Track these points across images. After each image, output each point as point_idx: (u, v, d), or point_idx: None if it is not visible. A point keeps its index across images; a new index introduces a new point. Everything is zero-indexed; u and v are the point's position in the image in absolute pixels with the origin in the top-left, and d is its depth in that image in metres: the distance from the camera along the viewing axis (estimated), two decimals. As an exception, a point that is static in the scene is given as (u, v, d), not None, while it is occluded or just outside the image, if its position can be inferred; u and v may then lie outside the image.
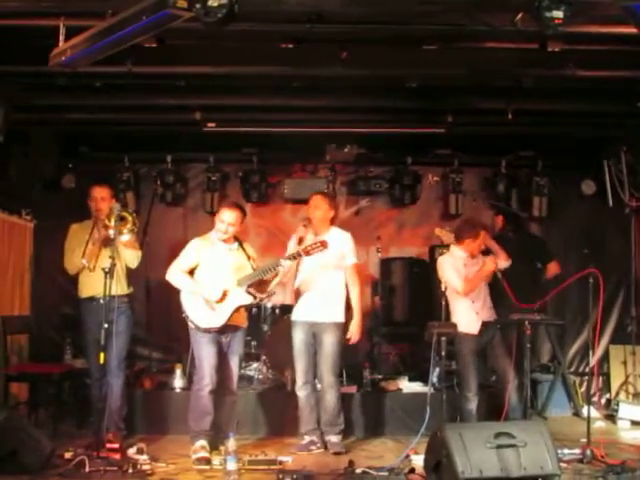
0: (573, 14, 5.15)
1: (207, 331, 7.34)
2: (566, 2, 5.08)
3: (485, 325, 7.98)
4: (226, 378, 7.52)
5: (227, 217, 7.40)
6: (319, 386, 7.91)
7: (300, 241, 7.68)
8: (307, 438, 7.78)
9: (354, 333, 7.88)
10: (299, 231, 7.80)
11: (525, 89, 7.99)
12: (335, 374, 7.82)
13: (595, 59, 7.29)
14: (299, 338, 7.83)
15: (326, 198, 8.02)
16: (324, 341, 7.75)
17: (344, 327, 7.87)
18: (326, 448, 7.76)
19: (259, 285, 7.44)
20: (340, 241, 7.88)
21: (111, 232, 7.26)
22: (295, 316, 7.93)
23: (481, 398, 8.02)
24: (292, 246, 7.78)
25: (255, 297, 7.43)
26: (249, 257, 7.59)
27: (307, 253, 7.39)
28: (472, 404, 7.92)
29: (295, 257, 7.41)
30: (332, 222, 7.98)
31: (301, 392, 7.82)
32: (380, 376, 9.32)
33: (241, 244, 7.63)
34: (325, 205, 7.88)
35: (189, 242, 7.63)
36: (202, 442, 7.27)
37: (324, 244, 7.39)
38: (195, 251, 7.49)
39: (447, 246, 8.59)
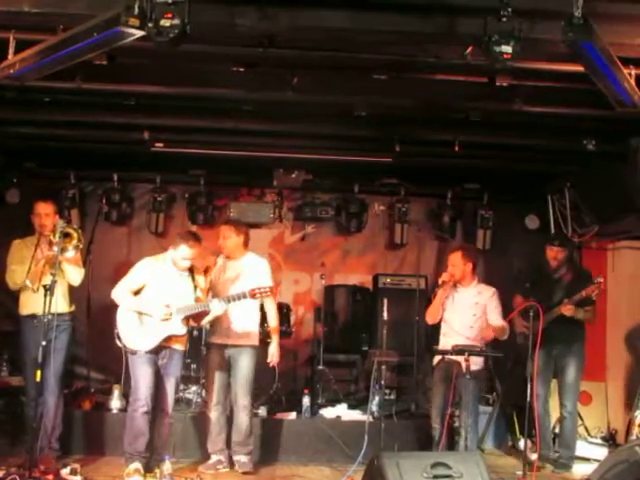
0: (522, 50, 5.22)
1: (133, 352, 7.27)
2: (515, 38, 5.15)
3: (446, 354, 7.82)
4: (161, 400, 7.44)
5: (188, 254, 7.33)
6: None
7: (206, 270, 7.74)
8: (215, 457, 7.88)
9: (274, 355, 7.98)
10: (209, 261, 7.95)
11: (473, 122, 8.08)
12: (249, 396, 7.85)
13: (542, 95, 7.39)
14: (214, 359, 7.91)
15: (232, 226, 8.08)
16: (239, 364, 7.81)
17: (259, 350, 7.95)
18: (232, 467, 7.82)
19: (196, 316, 7.40)
20: (256, 266, 7.97)
21: (55, 248, 7.16)
22: (211, 338, 8.00)
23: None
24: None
25: (188, 323, 7.41)
26: (196, 287, 7.50)
27: (253, 296, 7.41)
28: (434, 432, 7.89)
29: (239, 298, 7.39)
30: (246, 246, 8.04)
31: (213, 413, 7.89)
32: (320, 402, 9.27)
33: (192, 272, 7.53)
34: (232, 233, 7.96)
35: (140, 261, 7.56)
36: (136, 465, 7.19)
37: (273, 291, 7.48)
38: (145, 271, 7.43)
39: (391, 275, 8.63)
